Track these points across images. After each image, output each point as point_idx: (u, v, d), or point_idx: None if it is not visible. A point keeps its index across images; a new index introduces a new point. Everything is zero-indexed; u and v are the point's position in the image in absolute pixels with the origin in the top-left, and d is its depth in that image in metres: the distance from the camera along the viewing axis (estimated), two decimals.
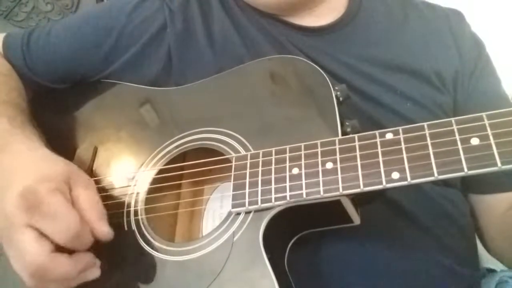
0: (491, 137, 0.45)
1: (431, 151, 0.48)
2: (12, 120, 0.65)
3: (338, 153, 0.52)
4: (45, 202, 0.50)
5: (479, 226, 0.76)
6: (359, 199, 0.54)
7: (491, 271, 0.76)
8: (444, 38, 0.79)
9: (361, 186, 0.49)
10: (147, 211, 0.62)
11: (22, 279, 0.52)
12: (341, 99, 0.58)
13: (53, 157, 0.59)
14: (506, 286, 0.75)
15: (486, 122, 0.46)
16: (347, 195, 0.51)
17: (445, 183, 0.71)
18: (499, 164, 0.44)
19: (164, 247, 0.58)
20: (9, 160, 0.58)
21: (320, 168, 0.52)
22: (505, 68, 0.89)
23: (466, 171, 0.45)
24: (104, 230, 0.55)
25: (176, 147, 0.65)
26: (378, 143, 0.51)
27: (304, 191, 0.52)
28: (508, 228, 0.71)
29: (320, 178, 0.52)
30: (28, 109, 0.73)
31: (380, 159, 0.50)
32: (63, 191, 0.53)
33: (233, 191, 0.55)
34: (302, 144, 0.54)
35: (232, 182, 0.56)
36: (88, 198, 0.55)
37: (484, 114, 0.47)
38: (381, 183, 0.49)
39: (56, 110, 0.80)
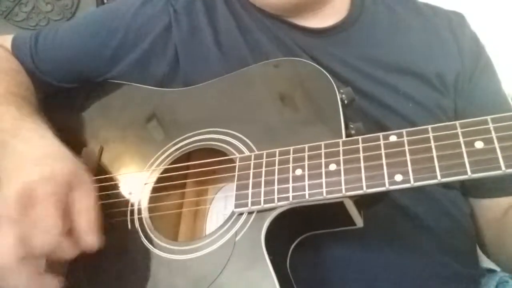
0: (495, 141, 0.45)
1: (434, 154, 0.47)
2: (21, 108, 0.65)
3: (341, 155, 0.52)
4: (37, 205, 0.51)
5: (476, 229, 0.77)
6: (362, 201, 0.54)
7: (491, 271, 0.77)
8: (446, 41, 0.79)
9: (364, 188, 0.49)
10: (151, 210, 0.62)
11: None
12: (346, 102, 0.57)
13: (61, 152, 0.59)
14: (506, 286, 0.75)
15: (491, 125, 0.46)
16: (350, 197, 0.51)
17: (446, 184, 0.71)
18: (503, 167, 0.44)
19: (167, 246, 0.58)
20: (22, 147, 0.58)
21: (323, 170, 0.52)
22: (505, 68, 0.89)
23: (469, 175, 0.45)
24: (88, 242, 0.54)
25: (181, 147, 0.65)
26: (382, 145, 0.51)
27: (307, 192, 0.52)
28: (502, 234, 0.71)
29: (323, 180, 0.51)
30: (37, 104, 0.73)
31: (384, 161, 0.50)
32: (60, 195, 0.53)
33: (236, 191, 0.55)
34: (306, 145, 0.54)
35: (235, 182, 0.56)
36: (83, 205, 0.54)
37: (488, 118, 0.47)
38: (384, 185, 0.49)
39: (63, 110, 0.80)
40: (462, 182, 0.75)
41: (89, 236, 0.54)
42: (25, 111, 0.65)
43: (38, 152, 0.57)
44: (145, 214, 0.62)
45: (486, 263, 0.79)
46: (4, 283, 0.50)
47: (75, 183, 0.55)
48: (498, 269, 0.78)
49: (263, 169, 0.55)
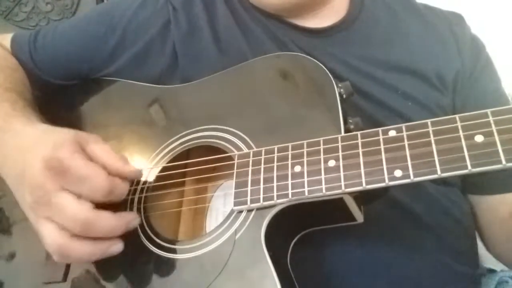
0: (495, 134, 0.45)
1: (434, 148, 0.47)
2: (14, 103, 0.66)
3: (340, 150, 0.52)
4: (71, 166, 0.51)
5: (479, 226, 0.76)
6: (362, 197, 0.54)
7: (491, 271, 0.76)
8: (445, 40, 0.79)
9: (364, 184, 0.49)
10: (150, 209, 0.62)
11: (61, 244, 0.51)
12: (344, 96, 0.57)
13: (55, 127, 0.60)
14: (506, 286, 0.75)
15: (491, 118, 0.46)
16: (350, 193, 0.51)
17: (446, 182, 0.71)
18: (503, 161, 0.44)
19: (167, 245, 0.58)
20: (14, 140, 0.59)
21: (322, 166, 0.52)
22: (505, 68, 0.89)
23: (470, 169, 0.45)
24: (132, 170, 0.56)
25: (180, 144, 0.64)
26: (381, 140, 0.50)
27: (306, 189, 0.51)
28: (510, 230, 0.71)
29: (323, 176, 0.51)
30: (32, 99, 0.74)
31: (383, 156, 0.49)
32: (79, 152, 0.54)
33: (235, 189, 0.55)
34: (305, 142, 0.54)
35: (234, 180, 0.56)
36: (103, 150, 0.56)
37: (488, 111, 0.46)
38: (383, 180, 0.48)
39: (62, 108, 0.80)
40: (462, 178, 0.75)
41: (127, 166, 0.56)
42: (18, 106, 0.66)
43: (34, 137, 0.58)
44: (144, 213, 0.61)
45: (486, 263, 0.79)
46: (97, 232, 0.52)
47: (82, 140, 0.56)
48: (498, 269, 0.78)
49: (262, 166, 0.55)
